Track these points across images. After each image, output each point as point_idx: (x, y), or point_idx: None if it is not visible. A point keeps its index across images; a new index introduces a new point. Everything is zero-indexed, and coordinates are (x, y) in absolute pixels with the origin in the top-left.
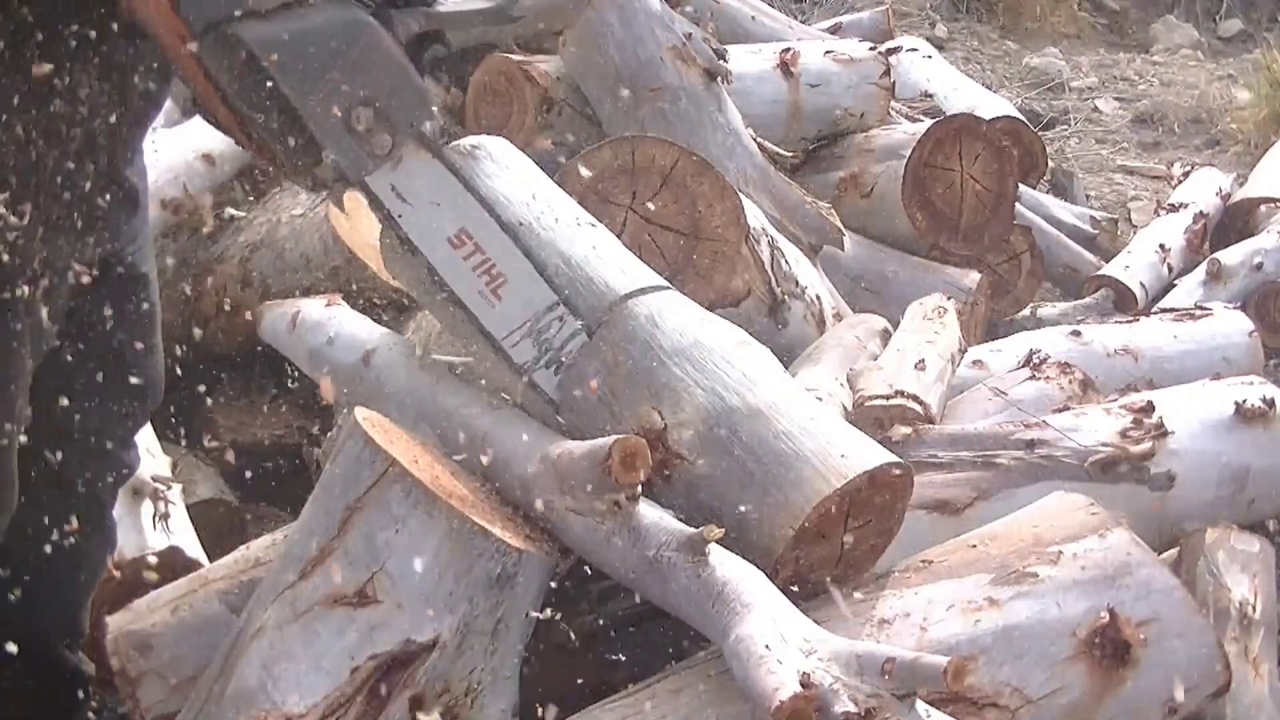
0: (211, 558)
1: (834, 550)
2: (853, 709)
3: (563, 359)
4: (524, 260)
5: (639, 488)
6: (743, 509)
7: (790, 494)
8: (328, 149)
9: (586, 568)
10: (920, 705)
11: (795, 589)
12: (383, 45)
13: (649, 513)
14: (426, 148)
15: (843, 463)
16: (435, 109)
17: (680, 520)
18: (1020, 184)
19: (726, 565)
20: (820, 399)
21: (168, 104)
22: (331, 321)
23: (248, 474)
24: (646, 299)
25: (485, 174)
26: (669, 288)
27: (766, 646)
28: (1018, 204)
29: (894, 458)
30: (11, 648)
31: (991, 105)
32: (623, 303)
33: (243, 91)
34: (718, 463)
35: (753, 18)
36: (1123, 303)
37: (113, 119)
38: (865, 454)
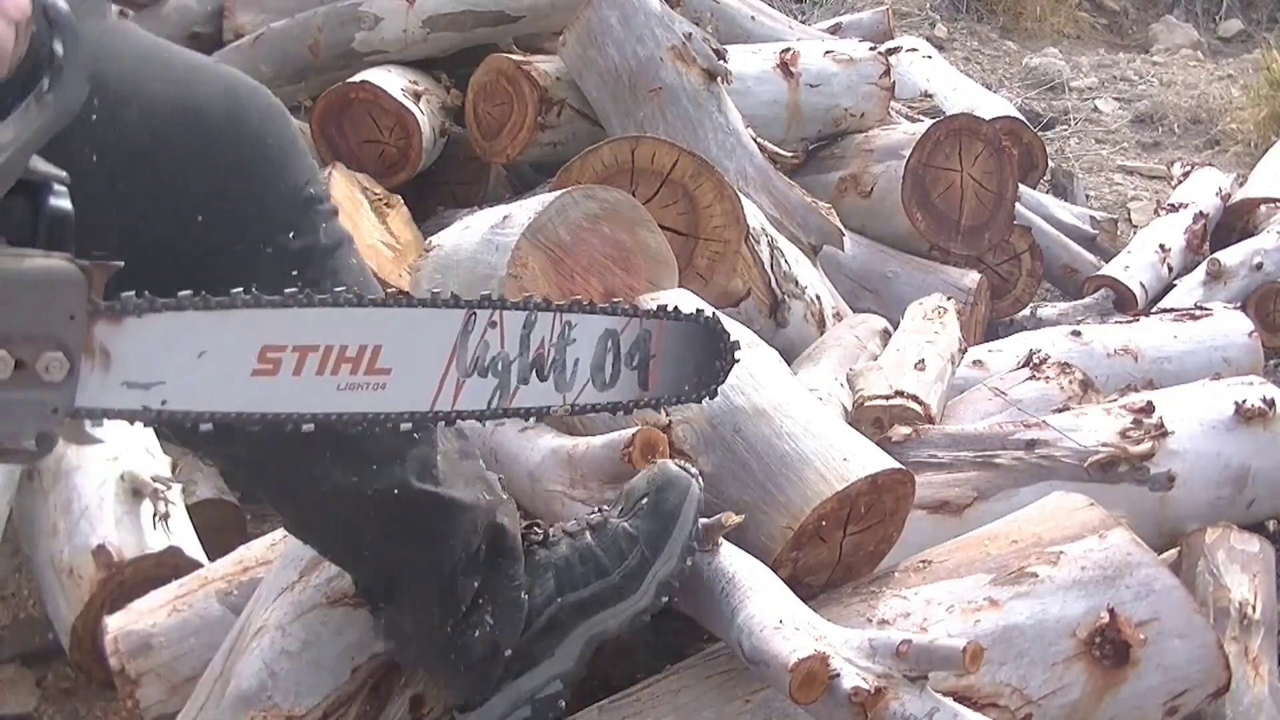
0: (211, 558)
1: (832, 554)
2: (863, 685)
3: (536, 355)
4: (387, 311)
5: None
6: (742, 508)
7: (791, 494)
8: None
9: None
10: (930, 689)
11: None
12: None
13: None
14: (122, 314)
15: (845, 466)
16: (80, 274)
17: None
18: (1020, 184)
19: (735, 557)
20: (820, 399)
21: None
22: None
23: None
24: (657, 296)
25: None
26: None
27: (780, 620)
28: (1018, 204)
29: (896, 464)
30: None
31: (991, 105)
32: None
33: None
34: (720, 460)
35: (753, 18)
36: (1123, 303)
37: None
38: (868, 458)
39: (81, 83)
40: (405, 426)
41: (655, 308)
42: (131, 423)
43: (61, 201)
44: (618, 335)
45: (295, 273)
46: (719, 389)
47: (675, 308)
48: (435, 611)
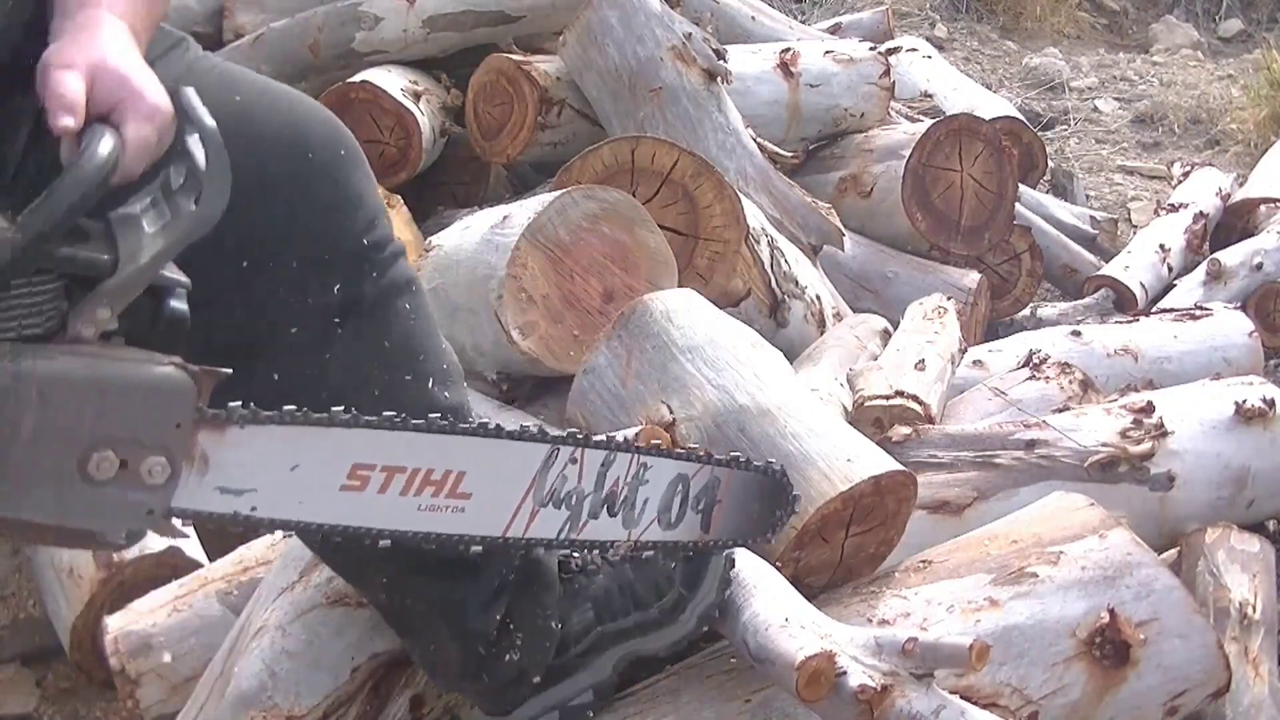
0: (211, 558)
1: (834, 555)
2: (870, 683)
3: (609, 491)
4: (475, 440)
5: None
6: None
7: None
8: (88, 526)
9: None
10: (936, 687)
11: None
12: (60, 378)
13: None
14: (226, 423)
15: (849, 467)
16: (190, 381)
17: None
18: (1020, 184)
19: (740, 555)
20: (821, 399)
21: None
22: None
23: None
24: (663, 296)
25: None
26: None
27: (785, 619)
28: (1018, 204)
29: (900, 466)
30: None
31: (991, 105)
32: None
33: None
34: None
35: (753, 18)
36: (1123, 303)
37: None
38: (872, 460)
39: (224, 195)
40: (475, 549)
41: (728, 457)
42: (219, 526)
43: (180, 304)
44: (689, 479)
45: (338, 320)
46: (773, 532)
47: (748, 459)
48: (451, 647)
